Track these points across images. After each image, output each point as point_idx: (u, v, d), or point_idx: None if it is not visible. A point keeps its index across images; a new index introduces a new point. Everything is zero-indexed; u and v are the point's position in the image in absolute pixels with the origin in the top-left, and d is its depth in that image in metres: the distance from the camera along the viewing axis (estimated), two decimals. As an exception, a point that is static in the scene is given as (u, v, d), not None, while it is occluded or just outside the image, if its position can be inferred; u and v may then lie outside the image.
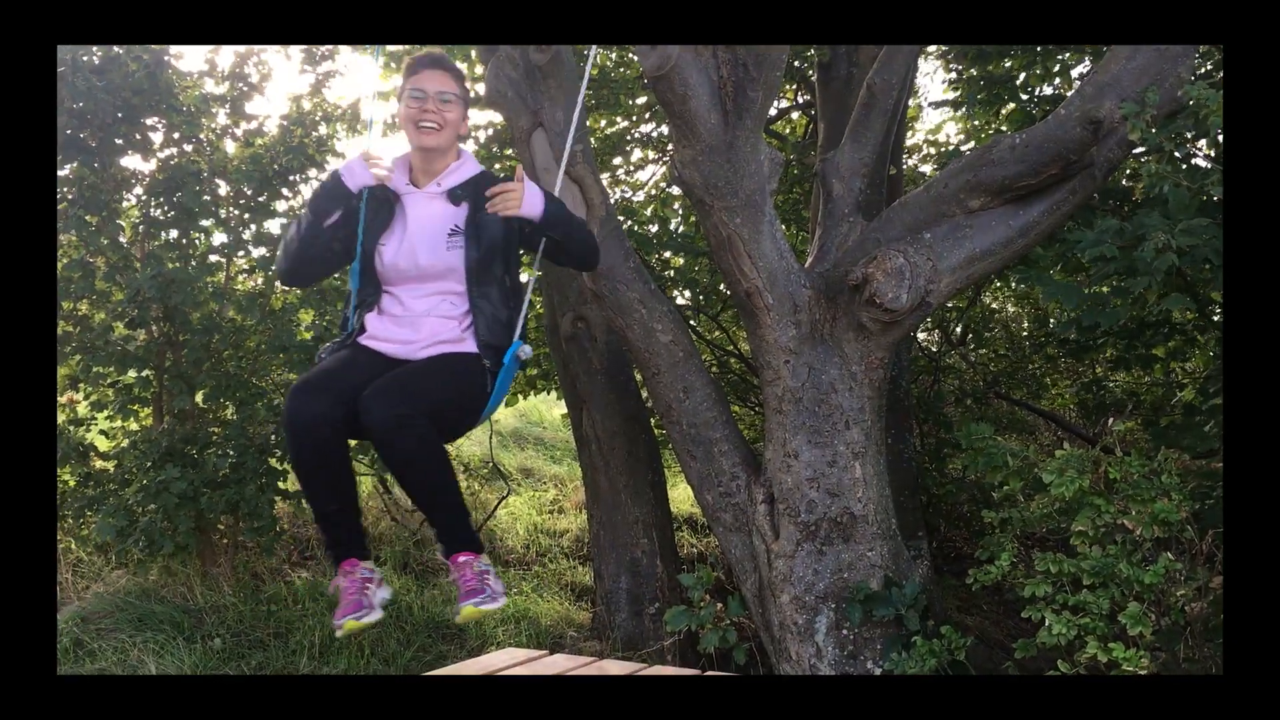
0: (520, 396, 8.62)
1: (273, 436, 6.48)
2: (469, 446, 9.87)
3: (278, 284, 7.01)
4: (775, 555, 4.54)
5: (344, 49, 7.16)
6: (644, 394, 6.36)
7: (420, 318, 3.18)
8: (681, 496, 8.70)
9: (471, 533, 3.18)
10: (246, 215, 6.74)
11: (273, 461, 6.42)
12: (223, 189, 6.82)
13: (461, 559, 3.09)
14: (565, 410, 10.34)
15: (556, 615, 6.60)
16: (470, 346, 3.19)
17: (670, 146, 8.82)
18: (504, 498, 8.79)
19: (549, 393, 8.79)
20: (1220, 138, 4.65)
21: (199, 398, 6.47)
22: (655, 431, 6.51)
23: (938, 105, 7.48)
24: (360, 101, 7.38)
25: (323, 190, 3.16)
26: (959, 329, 8.40)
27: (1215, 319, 5.21)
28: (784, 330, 4.51)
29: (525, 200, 3.08)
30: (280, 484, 6.46)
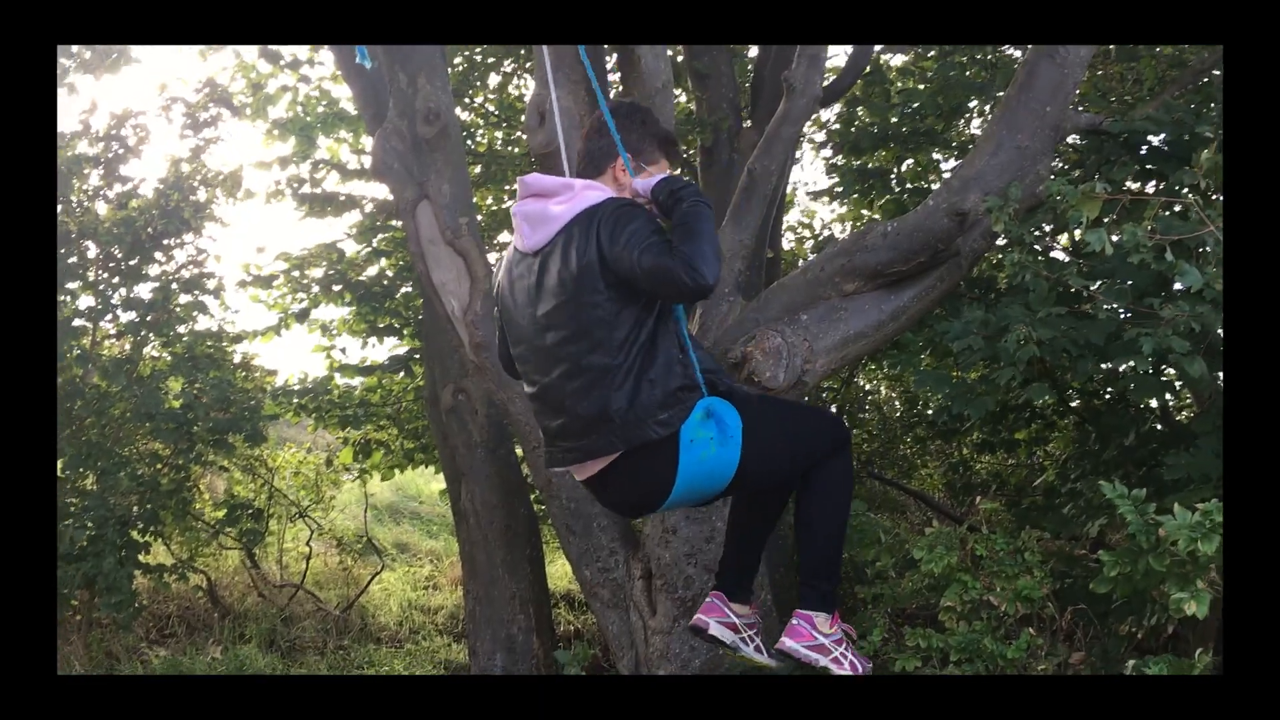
0: (396, 470, 8.48)
1: (135, 508, 6.24)
2: (343, 520, 9.64)
3: (145, 349, 6.81)
4: (652, 631, 4.53)
5: (225, 114, 7.09)
6: (524, 468, 6.32)
7: None
8: (559, 572, 8.62)
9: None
10: (115, 279, 6.56)
11: (134, 534, 6.17)
12: (91, 251, 6.63)
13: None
14: (443, 485, 10.22)
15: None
16: None
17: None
18: (377, 573, 8.58)
19: (427, 466, 8.66)
20: (1078, 232, 4.93)
21: (58, 466, 6.20)
22: (534, 506, 6.47)
23: (816, 195, 7.74)
24: (241, 168, 7.30)
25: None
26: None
27: (1073, 405, 5.46)
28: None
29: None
30: (141, 557, 6.21)
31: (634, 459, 2.67)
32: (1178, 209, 3.74)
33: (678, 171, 3.01)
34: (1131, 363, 3.64)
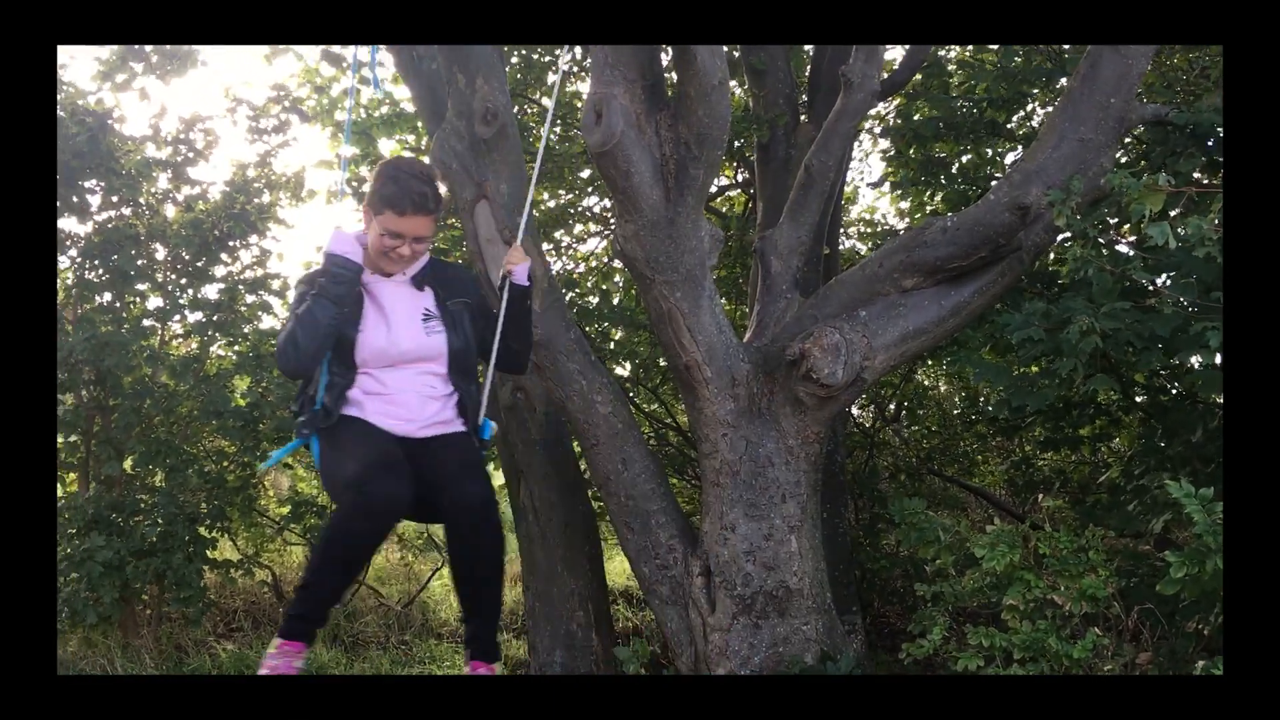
0: (457, 466, 8.54)
1: (203, 505, 6.37)
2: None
3: (212, 349, 6.95)
4: (711, 629, 4.54)
5: (294, 120, 7.21)
6: (582, 465, 6.35)
7: (409, 396, 3.26)
8: (617, 569, 8.65)
9: (497, 640, 3.32)
10: (184, 280, 6.70)
11: (201, 530, 6.31)
12: (160, 253, 6.78)
13: (484, 669, 3.22)
14: (501, 482, 10.29)
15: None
16: (460, 426, 3.38)
17: (612, 220, 8.95)
18: (438, 569, 8.66)
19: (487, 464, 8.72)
20: (1141, 224, 4.85)
21: (128, 464, 6.35)
22: (593, 503, 6.49)
23: (875, 185, 7.68)
24: (304, 170, 7.41)
25: (344, 278, 3.12)
26: (892, 406, 8.52)
27: (1138, 400, 5.37)
28: (722, 404, 4.56)
29: (522, 266, 3.48)
30: (209, 553, 6.34)
31: None
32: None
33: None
34: (1198, 357, 3.59)
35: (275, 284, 7.05)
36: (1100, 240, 4.16)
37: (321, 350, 3.13)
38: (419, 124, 7.80)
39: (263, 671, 3.10)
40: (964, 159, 7.02)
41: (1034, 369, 4.17)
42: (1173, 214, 3.58)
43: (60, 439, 6.27)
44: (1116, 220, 4.63)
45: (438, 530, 9.84)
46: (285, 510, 7.59)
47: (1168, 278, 3.73)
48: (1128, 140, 5.32)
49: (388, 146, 8.21)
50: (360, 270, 3.17)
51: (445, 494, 3.14)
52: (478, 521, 3.16)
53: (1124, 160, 5.30)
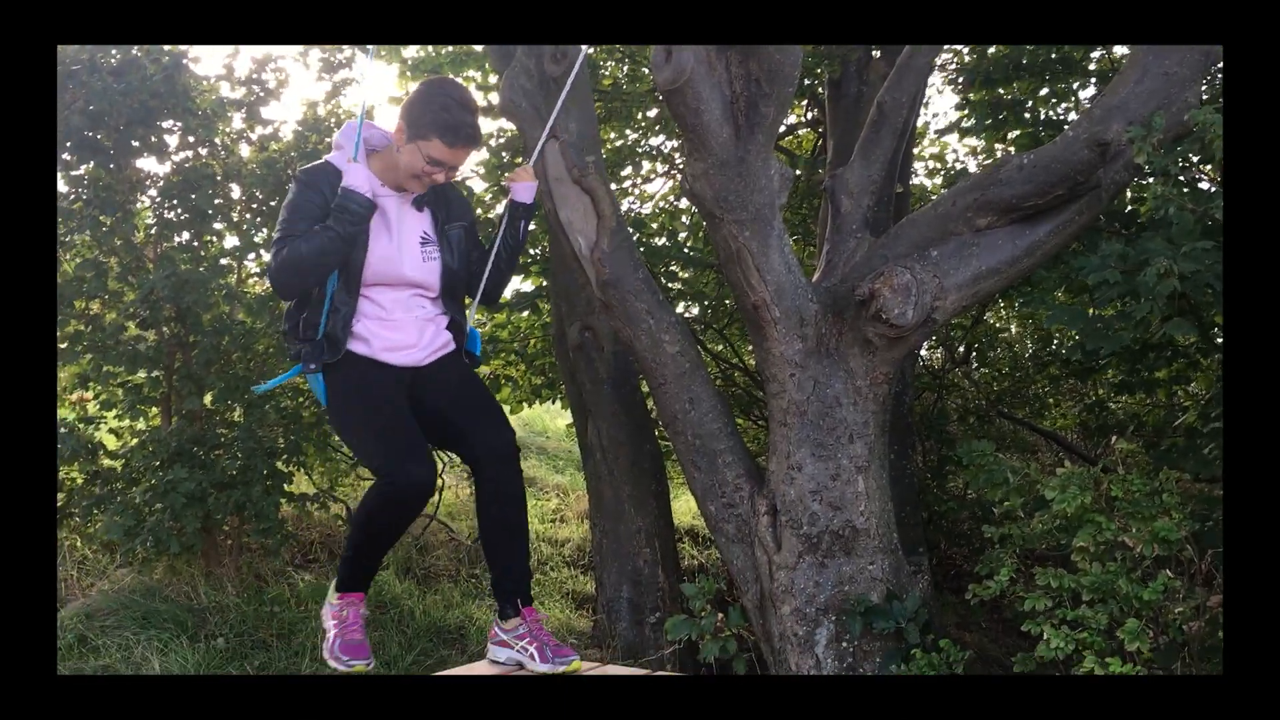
0: (525, 405, 8.66)
1: (280, 440, 6.53)
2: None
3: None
4: (777, 567, 4.57)
5: (359, 55, 7.24)
6: (649, 404, 6.40)
7: (407, 321, 3.26)
8: (683, 508, 8.73)
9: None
10: (258, 219, 6.81)
11: (279, 464, 6.47)
12: (235, 193, 6.89)
13: (535, 616, 3.29)
14: (568, 420, 10.40)
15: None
16: (454, 346, 3.41)
17: (680, 160, 8.89)
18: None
19: (554, 402, 8.83)
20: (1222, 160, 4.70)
21: (208, 399, 6.52)
22: (659, 442, 6.54)
23: (944, 132, 7.54)
24: (374, 108, 7.46)
25: (361, 217, 3.05)
26: (962, 347, 8.43)
27: (1217, 343, 5.25)
28: (790, 344, 4.55)
29: (526, 185, 3.49)
30: (286, 486, 6.51)
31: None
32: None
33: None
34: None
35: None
36: (1181, 179, 4.06)
37: (323, 279, 3.09)
38: (486, 63, 7.80)
39: (330, 624, 3.25)
40: (1039, 94, 6.84)
41: (1109, 312, 4.09)
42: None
43: (142, 374, 6.44)
44: (1199, 158, 4.49)
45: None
46: (359, 446, 7.74)
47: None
48: (1216, 73, 5.14)
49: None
50: (375, 209, 3.11)
51: (476, 444, 3.21)
52: (512, 471, 3.25)
53: (1208, 96, 5.12)
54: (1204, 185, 4.46)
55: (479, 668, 3.58)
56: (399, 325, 3.24)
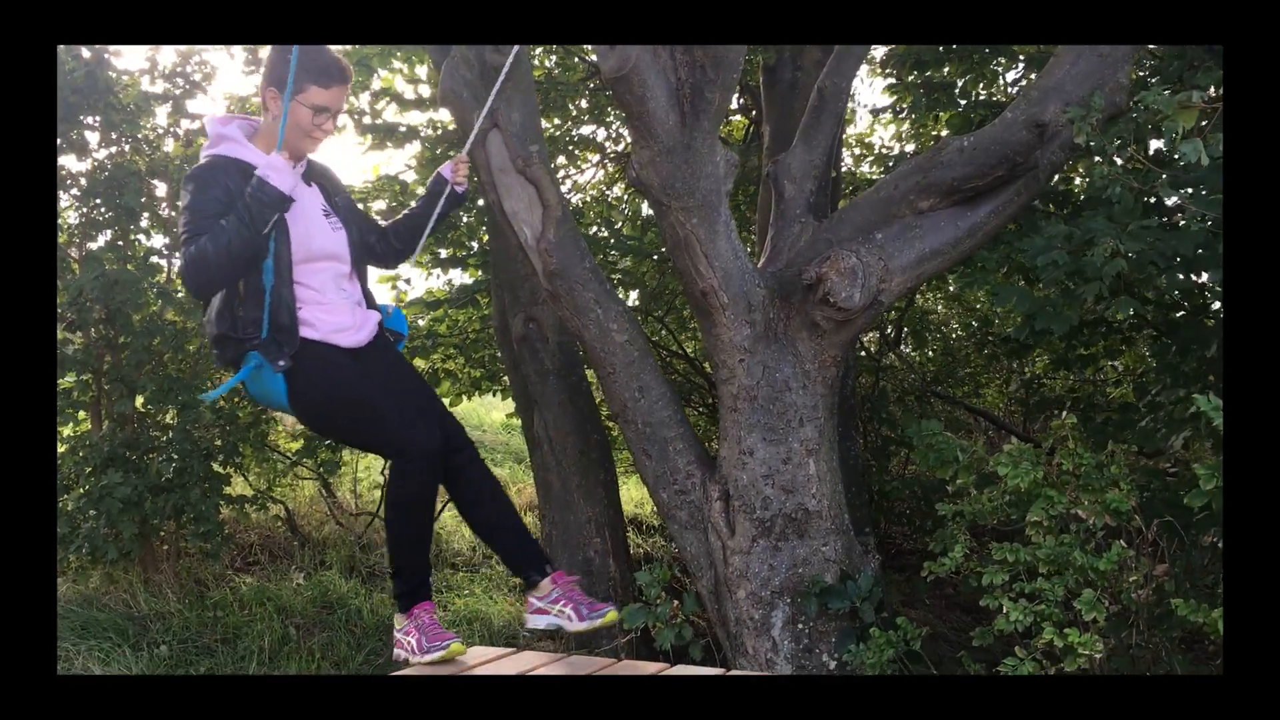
0: (464, 398, 8.59)
1: (217, 441, 6.40)
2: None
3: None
4: (731, 552, 4.59)
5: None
6: (595, 393, 6.39)
7: (341, 302, 3.23)
8: (627, 497, 8.74)
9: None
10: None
11: (215, 466, 6.34)
12: (160, 189, 6.71)
13: (565, 578, 3.28)
14: (505, 413, 10.33)
15: (508, 615, 6.60)
16: (378, 329, 3.39)
17: (610, 149, 8.88)
18: (449, 500, 8.73)
19: (493, 394, 8.77)
20: (1155, 144, 4.82)
21: (139, 402, 6.36)
22: (607, 431, 6.53)
23: (879, 111, 7.61)
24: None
25: (267, 205, 2.93)
26: (892, 330, 8.56)
27: (1148, 318, 5.39)
28: (739, 329, 4.57)
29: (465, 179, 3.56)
30: (225, 488, 6.39)
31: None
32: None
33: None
34: (1207, 274, 3.59)
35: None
36: (1117, 159, 4.15)
37: (238, 275, 2.98)
38: (413, 55, 7.69)
39: (411, 638, 3.17)
40: (964, 79, 6.94)
41: (1051, 293, 4.17)
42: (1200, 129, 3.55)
43: (71, 378, 6.27)
44: (1131, 138, 4.59)
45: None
46: (297, 445, 7.63)
47: (1190, 194, 3.72)
48: (1143, 55, 5.26)
49: (382, 75, 8.10)
50: (289, 204, 3.00)
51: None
52: (475, 456, 3.30)
53: (1140, 76, 5.25)
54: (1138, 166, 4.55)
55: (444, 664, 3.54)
56: (334, 307, 3.19)
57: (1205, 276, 4.23)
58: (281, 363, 3.00)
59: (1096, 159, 3.69)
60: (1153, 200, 3.71)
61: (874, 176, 7.97)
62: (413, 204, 3.65)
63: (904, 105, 6.95)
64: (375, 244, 3.49)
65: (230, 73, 27.69)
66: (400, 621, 3.21)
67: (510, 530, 3.34)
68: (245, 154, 3.07)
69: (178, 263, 6.67)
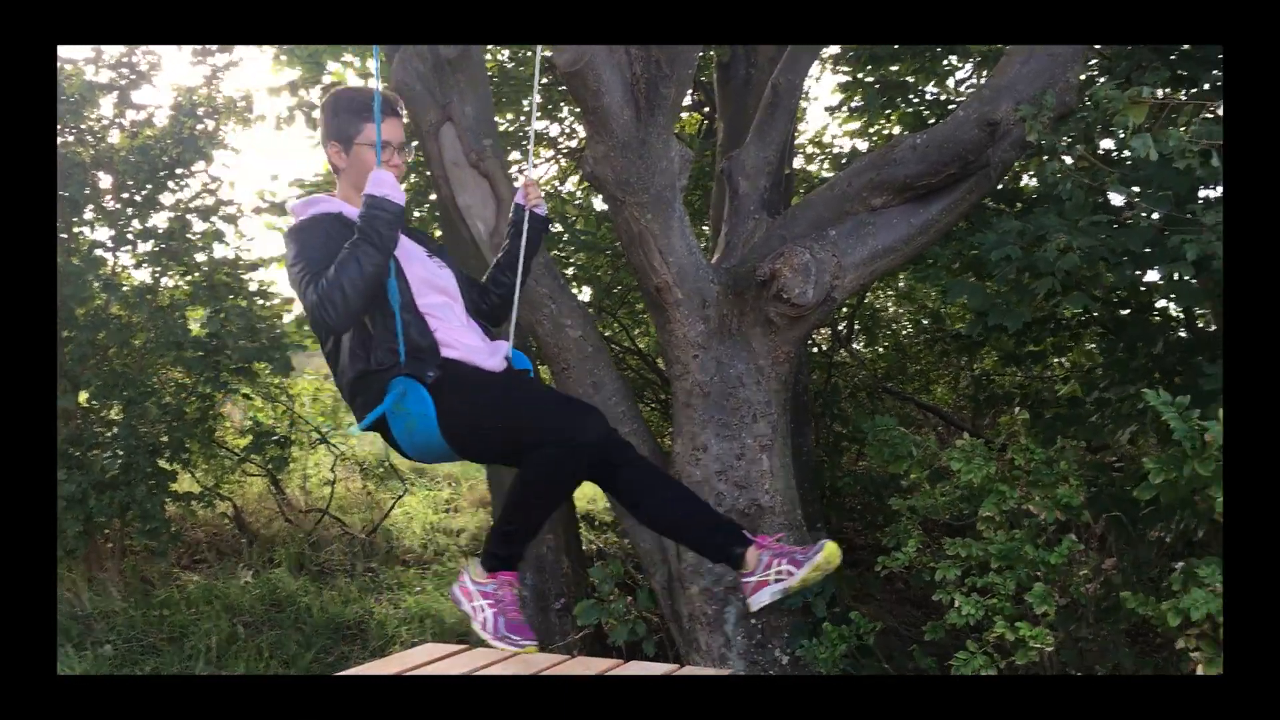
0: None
1: (163, 437, 6.29)
2: (363, 447, 9.72)
3: (165, 280, 6.81)
4: (684, 548, 4.59)
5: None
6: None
7: (466, 326, 3.10)
8: (581, 493, 8.71)
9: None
10: (130, 210, 6.52)
11: (162, 462, 6.24)
12: (104, 181, 6.58)
13: (767, 540, 2.97)
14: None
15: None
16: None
17: (563, 144, 8.84)
18: (400, 497, 8.69)
19: (445, 390, 8.70)
20: (1105, 143, 4.89)
21: (83, 397, 6.24)
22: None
23: (833, 109, 7.64)
24: (252, 95, 7.22)
25: (387, 220, 2.80)
26: (843, 326, 8.61)
27: (1096, 315, 5.47)
28: (693, 325, 4.56)
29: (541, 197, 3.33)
30: (171, 485, 6.29)
31: (377, 427, 2.96)
32: (1213, 114, 3.70)
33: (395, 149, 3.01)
34: (1156, 271, 3.64)
35: (229, 210, 6.89)
36: (1066, 157, 4.20)
37: (368, 303, 2.82)
38: (367, 48, 7.60)
39: (483, 604, 3.02)
40: (911, 79, 7.00)
41: (1004, 288, 4.22)
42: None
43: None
44: (1081, 136, 4.66)
45: (398, 459, 9.84)
46: (245, 442, 7.53)
47: (1140, 191, 3.77)
48: (1091, 54, 5.33)
49: (333, 69, 8.01)
50: (404, 211, 2.88)
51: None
52: (633, 452, 3.09)
53: (1089, 76, 5.32)
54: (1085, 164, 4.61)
55: (396, 661, 3.50)
56: (465, 331, 3.07)
57: (1152, 274, 4.31)
58: (431, 374, 2.87)
59: (1047, 157, 3.73)
60: (1102, 199, 3.75)
61: (828, 175, 8.01)
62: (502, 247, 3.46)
63: (857, 101, 6.99)
64: (478, 299, 3.33)
65: (178, 64, 27.30)
66: (478, 575, 3.05)
67: (695, 523, 3.06)
68: (336, 206, 2.98)
69: (143, 248, 6.56)
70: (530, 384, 3.17)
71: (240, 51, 7.01)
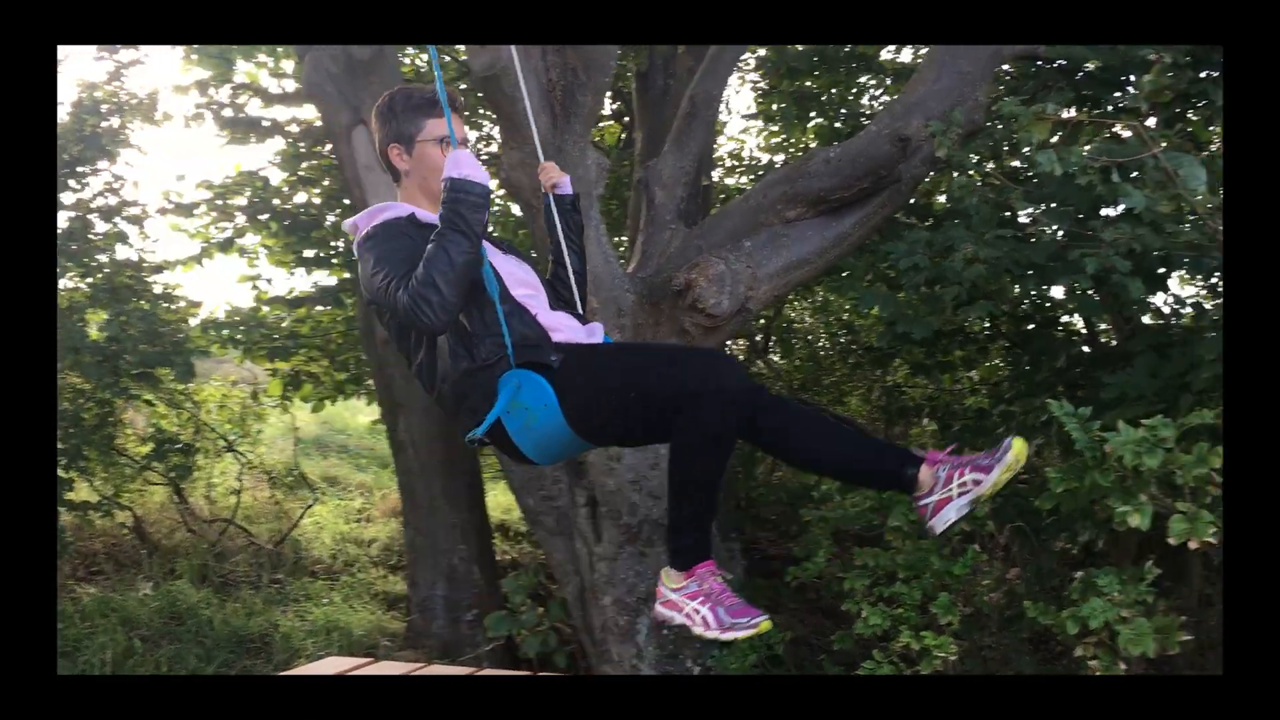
0: (328, 402, 8.36)
1: (59, 444, 6.08)
2: (270, 455, 9.51)
3: (64, 282, 6.59)
4: (597, 558, 4.57)
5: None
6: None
7: (560, 315, 2.90)
8: (494, 503, 8.63)
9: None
10: (30, 207, 6.29)
11: (59, 470, 6.02)
12: (3, 178, 6.34)
13: (939, 455, 2.71)
14: (371, 418, 10.10)
15: (369, 625, 6.43)
16: None
17: (488, 149, 8.78)
18: (309, 506, 8.51)
19: (358, 398, 8.57)
20: (1016, 161, 4.99)
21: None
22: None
23: (751, 117, 7.71)
24: (158, 92, 7.03)
25: (473, 203, 2.59)
26: (760, 338, 8.67)
27: (1002, 329, 5.58)
28: (609, 334, 4.54)
29: (565, 177, 3.11)
30: (67, 494, 6.07)
31: (489, 435, 2.67)
32: (1113, 134, 3.79)
33: (465, 138, 2.92)
34: (1059, 286, 3.72)
35: (134, 210, 6.69)
36: (971, 173, 4.29)
37: (463, 293, 2.58)
38: (278, 49, 7.47)
39: (693, 605, 2.74)
40: (833, 91, 7.08)
41: (917, 299, 4.27)
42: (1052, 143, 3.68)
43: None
44: (989, 153, 4.75)
45: (308, 468, 9.65)
46: (147, 449, 7.31)
47: (1043, 207, 3.85)
48: (999, 74, 5.45)
49: (245, 68, 7.85)
50: (490, 192, 2.68)
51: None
52: (780, 400, 2.80)
53: (997, 95, 5.43)
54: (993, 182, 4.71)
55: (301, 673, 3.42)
56: (563, 317, 2.89)
57: (1056, 290, 4.40)
58: (553, 357, 2.67)
59: (955, 173, 3.79)
60: (1008, 214, 3.83)
61: (746, 187, 8.06)
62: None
63: (773, 111, 7.06)
64: (554, 292, 3.10)
65: (80, 60, 26.58)
66: (676, 580, 2.77)
67: (859, 456, 2.78)
68: (405, 209, 2.78)
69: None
70: (645, 347, 3.02)
71: (146, 49, 6.82)
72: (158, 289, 6.92)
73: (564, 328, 2.81)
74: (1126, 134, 3.58)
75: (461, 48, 6.00)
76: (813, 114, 6.72)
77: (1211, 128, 4.45)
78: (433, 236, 2.56)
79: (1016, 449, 2.55)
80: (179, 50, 7.56)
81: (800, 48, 6.78)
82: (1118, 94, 4.26)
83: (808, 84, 6.85)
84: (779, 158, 8.07)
